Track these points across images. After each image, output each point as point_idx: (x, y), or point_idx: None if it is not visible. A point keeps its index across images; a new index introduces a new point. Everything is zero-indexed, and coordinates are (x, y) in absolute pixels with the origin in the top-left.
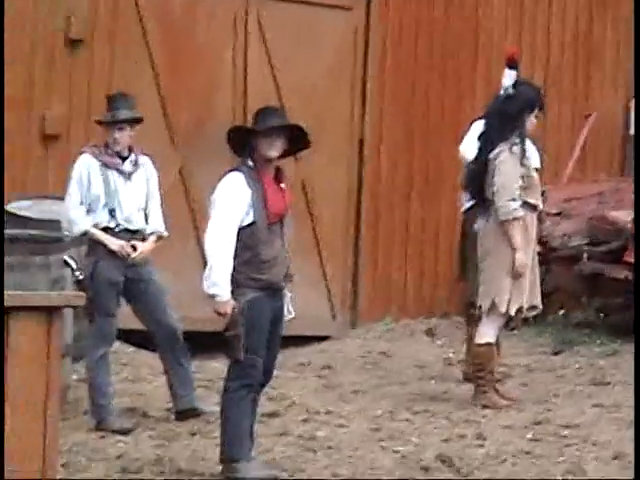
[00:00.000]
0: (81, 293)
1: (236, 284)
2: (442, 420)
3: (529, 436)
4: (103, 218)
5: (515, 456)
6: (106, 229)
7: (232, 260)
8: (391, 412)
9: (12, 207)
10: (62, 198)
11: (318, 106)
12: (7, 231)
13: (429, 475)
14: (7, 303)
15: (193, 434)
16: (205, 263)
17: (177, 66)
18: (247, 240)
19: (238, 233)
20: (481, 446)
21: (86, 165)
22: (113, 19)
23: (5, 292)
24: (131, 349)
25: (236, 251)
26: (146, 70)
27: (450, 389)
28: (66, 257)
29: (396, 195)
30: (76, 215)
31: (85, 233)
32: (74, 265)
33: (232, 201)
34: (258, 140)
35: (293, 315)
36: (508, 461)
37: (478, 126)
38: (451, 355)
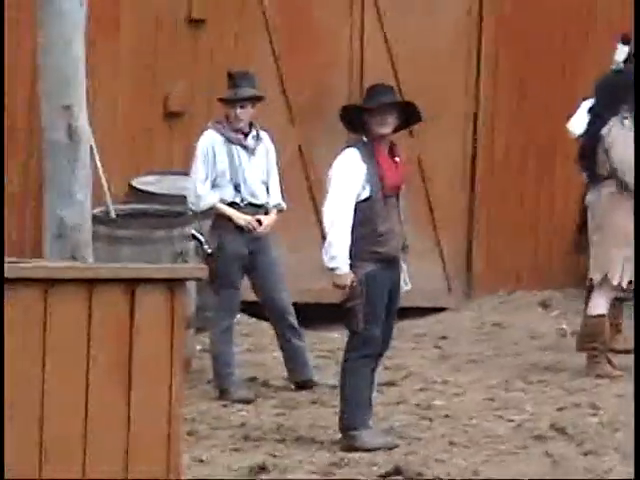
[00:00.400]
0: (203, 266)
1: (354, 257)
2: (556, 390)
3: None
4: (229, 193)
5: (628, 425)
6: (232, 204)
7: (350, 234)
8: (506, 382)
9: (137, 182)
10: (186, 174)
11: (433, 82)
12: (132, 206)
13: (543, 443)
14: (132, 275)
15: (313, 402)
16: (324, 237)
17: (295, 45)
18: (364, 214)
19: (355, 207)
20: (594, 415)
21: (211, 141)
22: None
23: (130, 265)
24: (252, 320)
25: (353, 225)
26: (266, 49)
27: (564, 360)
28: (194, 231)
29: (510, 169)
30: (203, 190)
31: (212, 208)
32: (202, 239)
33: (349, 176)
34: (370, 117)
35: (409, 287)
36: (621, 430)
37: (587, 104)
38: (565, 327)
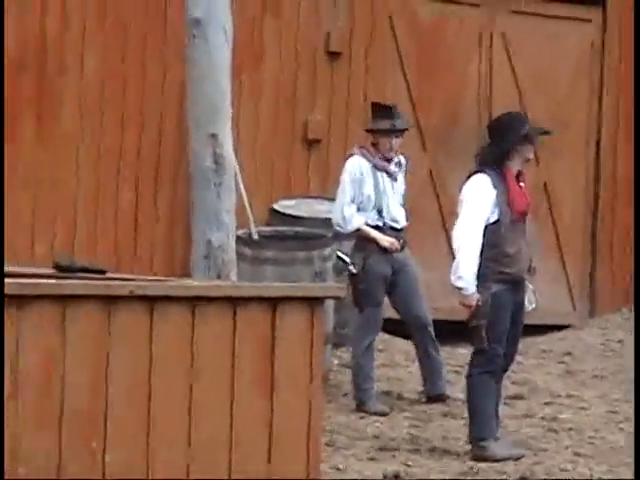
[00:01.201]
0: (342, 285)
1: (481, 278)
2: None
3: None
4: (372, 217)
5: None
6: (375, 227)
7: (478, 256)
8: (629, 396)
9: (278, 205)
10: (324, 198)
11: (557, 109)
12: (273, 228)
13: None
14: (274, 294)
15: (444, 415)
16: (453, 257)
17: (427, 75)
18: (492, 237)
19: (484, 230)
20: None
21: (358, 166)
22: (368, 33)
23: (272, 284)
24: (387, 336)
25: (482, 247)
26: (399, 79)
27: None
28: (340, 253)
29: (631, 192)
30: (349, 213)
31: (357, 230)
32: (348, 260)
33: (479, 201)
34: (526, 144)
35: (534, 305)
36: None
37: None
38: None
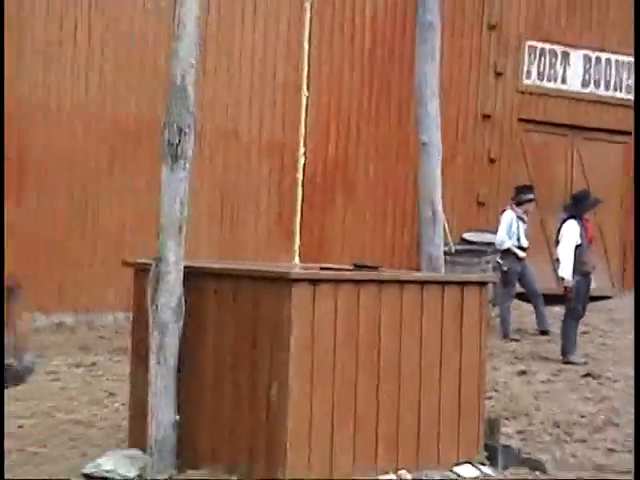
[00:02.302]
0: (493, 274)
1: (572, 273)
2: None
3: None
4: (515, 241)
5: None
6: (517, 247)
7: (572, 262)
8: None
9: (465, 235)
10: (488, 231)
11: (603, 193)
12: (462, 246)
13: None
14: (463, 280)
15: (548, 341)
16: (558, 263)
17: (538, 172)
18: (578, 251)
19: (575, 248)
20: None
21: (510, 216)
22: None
23: (462, 275)
24: (516, 301)
25: (573, 257)
26: (524, 173)
27: None
28: (498, 259)
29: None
30: (505, 239)
31: (508, 249)
32: (502, 263)
33: (573, 234)
34: (595, 204)
35: (594, 285)
36: None
37: None
38: None
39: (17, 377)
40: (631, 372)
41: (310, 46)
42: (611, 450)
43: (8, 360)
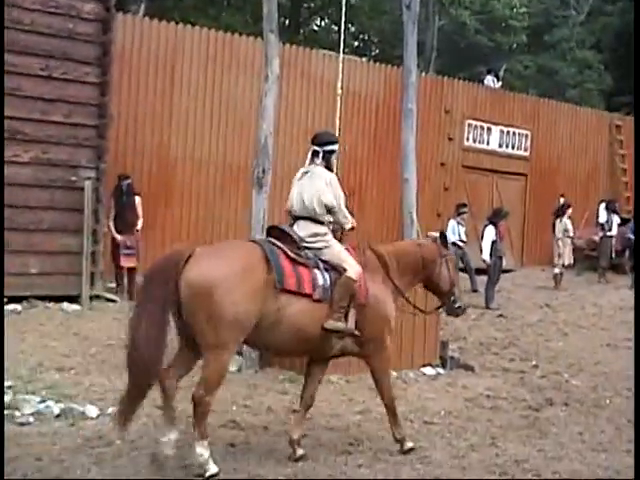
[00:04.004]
0: None
1: (490, 256)
2: None
3: None
4: (457, 237)
5: None
6: (459, 240)
7: (490, 249)
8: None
9: (429, 234)
10: None
11: None
12: None
13: None
14: None
15: None
16: (481, 250)
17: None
18: (494, 244)
19: (492, 242)
20: None
21: (453, 223)
22: None
23: None
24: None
25: (492, 247)
26: None
27: None
28: None
29: None
30: (450, 236)
31: (453, 242)
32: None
33: (490, 234)
34: None
35: (505, 263)
36: None
37: None
38: None
39: None
40: (524, 313)
41: (340, 122)
42: (512, 360)
43: None
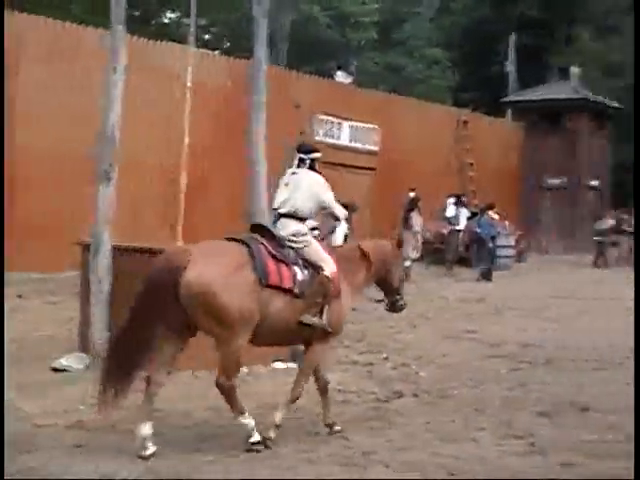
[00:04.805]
0: None
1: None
2: None
3: None
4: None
5: None
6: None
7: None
8: None
9: None
10: None
11: None
12: None
13: None
14: None
15: None
16: None
17: None
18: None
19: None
20: None
21: None
22: None
23: None
24: None
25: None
26: None
27: None
28: None
29: None
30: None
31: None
32: None
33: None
34: None
35: None
36: None
37: None
38: None
39: None
40: (376, 305)
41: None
42: (362, 352)
43: None
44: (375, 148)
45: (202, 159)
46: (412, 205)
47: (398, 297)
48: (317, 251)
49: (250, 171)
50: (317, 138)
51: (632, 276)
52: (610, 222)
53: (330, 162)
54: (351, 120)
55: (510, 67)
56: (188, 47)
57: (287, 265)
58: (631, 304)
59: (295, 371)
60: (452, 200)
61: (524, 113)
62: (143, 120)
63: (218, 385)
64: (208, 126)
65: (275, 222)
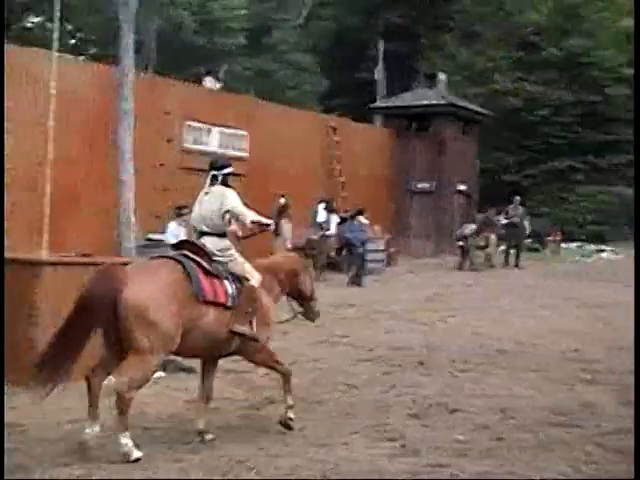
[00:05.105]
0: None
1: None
2: None
3: None
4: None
5: None
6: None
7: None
8: None
9: (150, 235)
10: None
11: None
12: (147, 242)
13: None
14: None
15: None
16: None
17: None
18: None
19: None
20: None
21: (174, 225)
22: None
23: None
24: None
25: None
26: None
27: None
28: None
29: None
30: (170, 238)
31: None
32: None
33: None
34: None
35: None
36: None
37: None
38: None
39: None
40: None
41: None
42: (235, 360)
43: None
44: (244, 154)
45: (68, 167)
46: (282, 211)
47: (312, 304)
48: (242, 264)
49: (118, 179)
50: (186, 145)
51: (502, 279)
52: (472, 227)
53: (199, 169)
54: (221, 126)
55: (379, 73)
56: (52, 52)
57: (219, 279)
58: (501, 304)
59: (165, 379)
60: (322, 206)
61: (393, 119)
62: (6, 128)
63: (118, 394)
64: (74, 134)
65: (199, 239)
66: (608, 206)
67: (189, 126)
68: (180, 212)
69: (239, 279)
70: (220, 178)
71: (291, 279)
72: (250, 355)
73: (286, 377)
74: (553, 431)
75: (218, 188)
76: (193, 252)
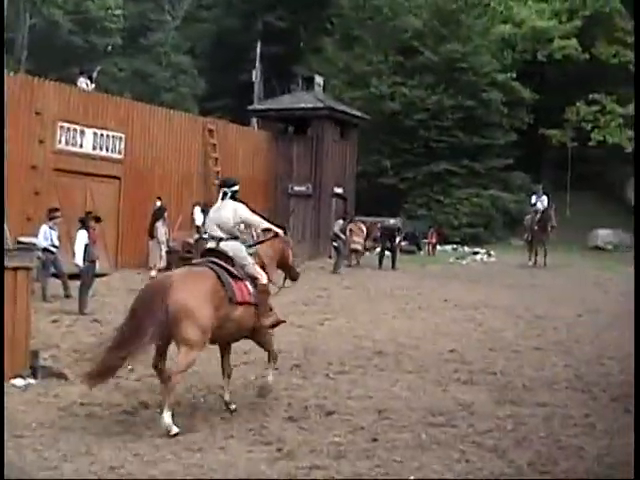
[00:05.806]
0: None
1: (84, 261)
2: None
3: None
4: (49, 243)
5: None
6: (52, 245)
7: (82, 253)
8: None
9: (20, 239)
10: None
11: None
12: (19, 246)
13: None
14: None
15: None
16: (73, 255)
17: None
18: (87, 248)
19: (85, 246)
20: None
21: (45, 228)
22: None
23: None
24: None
25: (85, 251)
26: None
27: None
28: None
29: None
30: (42, 242)
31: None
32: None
33: (83, 238)
34: None
35: (99, 267)
36: None
37: None
38: None
39: None
40: (120, 317)
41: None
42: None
43: None
44: (120, 156)
45: None
46: (158, 214)
47: (294, 268)
48: (254, 266)
49: None
50: (58, 146)
51: (381, 281)
52: (340, 222)
53: (73, 170)
54: (95, 127)
55: (256, 76)
56: None
57: (243, 281)
58: (380, 306)
59: (36, 387)
60: (198, 208)
61: (270, 121)
62: None
63: (169, 375)
64: None
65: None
66: (483, 209)
67: (62, 127)
68: (52, 215)
69: (252, 279)
70: (229, 194)
71: (282, 257)
72: (258, 338)
73: (274, 357)
74: (430, 431)
75: (229, 202)
76: (221, 259)
